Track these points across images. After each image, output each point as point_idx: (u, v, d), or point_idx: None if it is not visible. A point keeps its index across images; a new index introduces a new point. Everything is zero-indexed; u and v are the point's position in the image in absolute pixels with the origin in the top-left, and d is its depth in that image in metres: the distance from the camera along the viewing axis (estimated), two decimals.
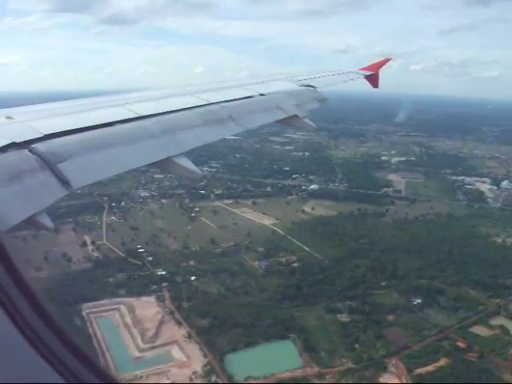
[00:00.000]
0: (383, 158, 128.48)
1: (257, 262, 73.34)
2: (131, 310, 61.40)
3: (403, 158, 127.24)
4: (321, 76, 12.58)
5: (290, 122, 9.07)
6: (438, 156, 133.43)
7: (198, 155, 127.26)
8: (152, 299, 63.86)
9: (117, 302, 62.95)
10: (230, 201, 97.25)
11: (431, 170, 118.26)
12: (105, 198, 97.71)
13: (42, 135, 4.82)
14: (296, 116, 9.04)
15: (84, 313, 60.43)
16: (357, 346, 55.81)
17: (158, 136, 6.04)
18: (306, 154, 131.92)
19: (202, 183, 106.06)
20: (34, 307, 1.98)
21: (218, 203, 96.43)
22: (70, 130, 5.24)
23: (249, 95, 8.85)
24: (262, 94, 9.09)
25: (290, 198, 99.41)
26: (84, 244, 78.84)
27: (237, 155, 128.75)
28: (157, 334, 56.78)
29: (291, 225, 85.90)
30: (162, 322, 58.88)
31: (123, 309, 61.78)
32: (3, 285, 1.96)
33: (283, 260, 74.09)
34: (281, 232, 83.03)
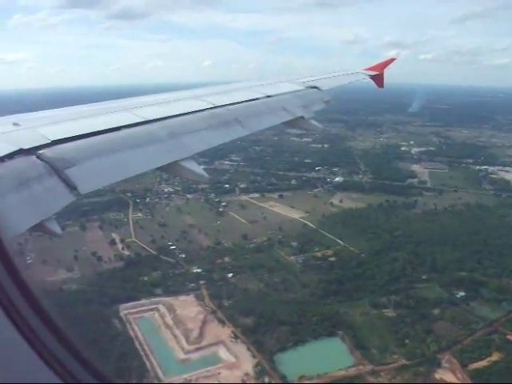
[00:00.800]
0: (403, 148, 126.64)
1: (292, 257, 71.79)
2: (171, 309, 59.77)
3: (423, 149, 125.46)
4: (325, 77, 12.59)
5: (296, 123, 9.05)
6: (457, 146, 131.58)
7: (218, 149, 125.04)
8: (191, 298, 62.21)
9: (155, 301, 61.32)
10: (256, 194, 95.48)
11: (453, 160, 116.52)
12: (128, 194, 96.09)
13: (49, 141, 4.78)
14: (302, 117, 9.03)
15: (122, 314, 58.89)
16: (407, 341, 54.40)
17: (165, 140, 6.02)
18: (325, 145, 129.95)
19: (226, 177, 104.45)
20: (32, 307, 1.94)
21: (244, 197, 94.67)
22: (76, 136, 5.19)
23: (255, 97, 8.79)
24: (267, 96, 9.04)
25: (316, 190, 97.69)
26: (113, 242, 77.14)
27: (256, 148, 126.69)
28: (201, 335, 55.15)
29: (321, 218, 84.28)
30: (204, 322, 57.28)
31: (162, 309, 60.16)
32: (2, 285, 1.91)
33: (319, 254, 72.53)
34: (312, 225, 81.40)
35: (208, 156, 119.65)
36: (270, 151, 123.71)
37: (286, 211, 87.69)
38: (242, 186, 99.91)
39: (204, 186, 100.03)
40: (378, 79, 14.90)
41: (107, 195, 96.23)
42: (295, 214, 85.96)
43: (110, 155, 5.26)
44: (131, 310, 59.48)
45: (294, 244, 75.54)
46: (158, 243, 75.77)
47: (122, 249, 74.61)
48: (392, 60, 15.73)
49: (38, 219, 4.00)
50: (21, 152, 4.40)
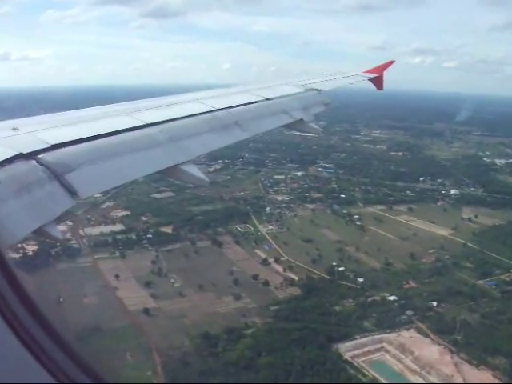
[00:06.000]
0: (485, 159, 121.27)
1: (480, 281, 63.40)
2: (404, 349, 49.52)
3: (504, 160, 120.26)
4: (325, 79, 12.56)
5: (295, 126, 8.99)
6: None
7: (301, 153, 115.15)
8: (413, 333, 52.28)
9: (377, 339, 50.85)
10: (380, 206, 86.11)
11: None
12: (241, 202, 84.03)
13: (48, 146, 4.73)
14: (302, 120, 8.98)
15: (347, 357, 48.12)
16: None
17: (165, 144, 5.89)
18: (407, 154, 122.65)
19: (334, 186, 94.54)
20: (27, 309, 1.97)
21: (371, 209, 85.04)
22: (76, 140, 5.11)
23: (254, 100, 8.66)
24: (267, 99, 8.95)
25: (439, 203, 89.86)
26: (265, 261, 65.51)
27: (337, 154, 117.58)
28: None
29: (473, 236, 76.37)
30: (456, 364, 47.63)
31: (390, 348, 49.82)
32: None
33: (506, 278, 64.62)
34: (471, 245, 73.30)
35: (296, 162, 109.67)
36: (356, 159, 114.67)
37: (429, 227, 79.16)
38: (357, 195, 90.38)
39: (317, 195, 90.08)
40: (378, 81, 14.76)
41: (216, 203, 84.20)
42: (441, 231, 77.59)
43: (110, 159, 5.11)
44: (355, 352, 48.77)
45: (469, 265, 67.25)
46: (319, 263, 65.00)
47: (284, 271, 63.04)
48: (391, 62, 15.49)
49: (38, 224, 3.91)
50: (20, 156, 4.32)
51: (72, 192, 4.30)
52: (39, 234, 4.00)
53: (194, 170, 5.79)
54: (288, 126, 8.86)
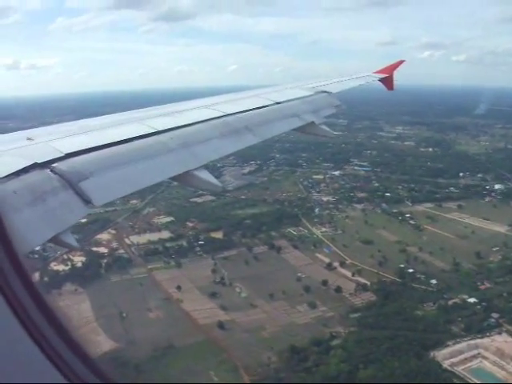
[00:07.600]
0: None
1: None
2: (501, 355, 46.62)
3: None
4: (335, 82, 12.52)
5: (307, 129, 8.81)
6: None
7: (332, 152, 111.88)
8: (507, 337, 49.26)
9: (472, 345, 47.90)
10: (429, 204, 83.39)
11: None
12: (286, 204, 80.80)
13: (62, 154, 4.70)
14: (313, 123, 8.83)
15: (446, 365, 45.09)
16: None
17: (177, 150, 5.85)
18: (437, 150, 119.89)
19: (376, 184, 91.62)
20: (38, 305, 2.01)
21: (420, 208, 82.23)
22: (90, 149, 5.07)
23: (264, 104, 8.66)
24: (277, 103, 8.91)
25: (487, 199, 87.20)
26: (330, 266, 62.30)
27: (369, 152, 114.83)
28: None
29: None
30: None
31: (487, 354, 46.94)
32: (10, 282, 1.97)
33: None
34: None
35: (330, 161, 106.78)
36: (388, 156, 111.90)
37: (485, 224, 76.34)
38: (403, 194, 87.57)
39: (361, 194, 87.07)
40: (388, 82, 14.69)
41: (260, 206, 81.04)
42: (498, 228, 74.86)
43: (123, 167, 5.05)
44: (453, 360, 45.78)
45: None
46: (386, 266, 62.08)
47: (353, 275, 59.89)
48: (401, 62, 15.27)
49: (53, 233, 3.88)
50: (35, 166, 4.33)
51: (86, 200, 4.26)
52: (55, 242, 3.98)
53: (207, 176, 5.72)
54: (299, 129, 8.74)
